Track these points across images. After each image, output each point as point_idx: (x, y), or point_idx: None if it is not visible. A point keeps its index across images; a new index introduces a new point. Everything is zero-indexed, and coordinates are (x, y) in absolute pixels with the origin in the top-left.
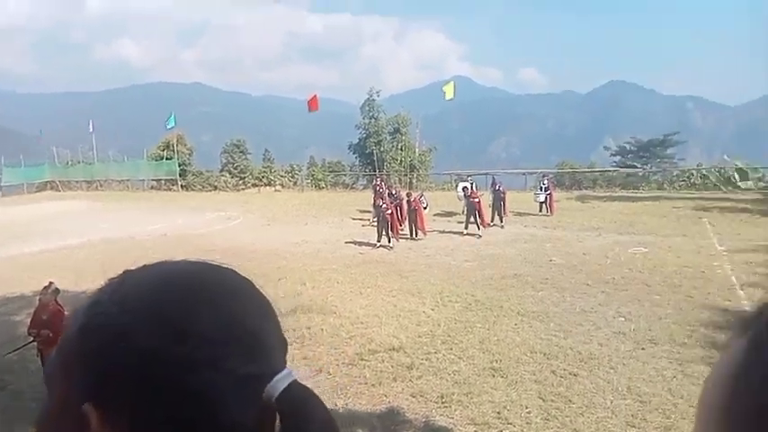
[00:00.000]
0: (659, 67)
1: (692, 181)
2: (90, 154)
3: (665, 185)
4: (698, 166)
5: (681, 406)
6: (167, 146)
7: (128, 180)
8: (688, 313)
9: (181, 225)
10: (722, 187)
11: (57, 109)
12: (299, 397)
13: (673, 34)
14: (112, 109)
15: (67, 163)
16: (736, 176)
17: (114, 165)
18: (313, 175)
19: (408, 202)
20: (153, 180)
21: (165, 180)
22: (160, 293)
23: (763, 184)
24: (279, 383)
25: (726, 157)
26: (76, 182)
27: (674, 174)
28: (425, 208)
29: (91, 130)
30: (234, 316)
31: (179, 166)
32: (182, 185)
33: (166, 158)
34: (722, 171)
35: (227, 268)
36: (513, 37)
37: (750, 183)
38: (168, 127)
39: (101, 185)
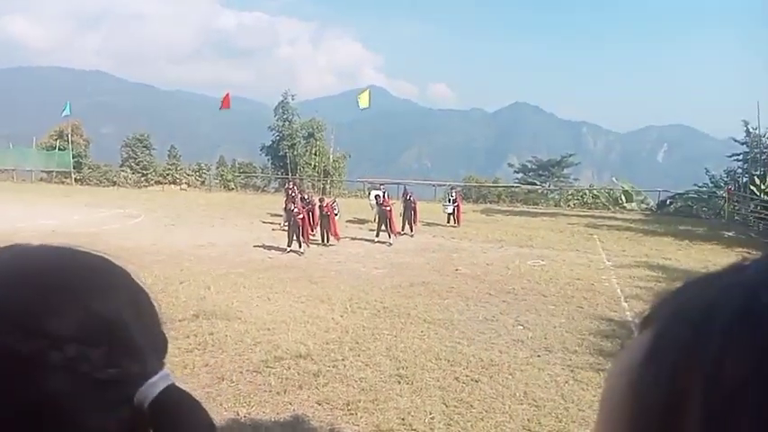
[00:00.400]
0: (558, 93)
1: (584, 200)
2: None
3: (561, 203)
4: (590, 186)
5: (572, 410)
6: (61, 135)
7: (13, 170)
8: (579, 323)
9: (74, 222)
10: (610, 207)
11: None
12: (175, 402)
13: (571, 63)
14: None
15: None
16: (623, 198)
17: None
18: (222, 176)
19: (321, 207)
20: (43, 171)
21: (57, 172)
22: (3, 282)
23: (645, 206)
24: (152, 387)
25: (614, 179)
26: None
27: (570, 192)
28: (337, 214)
29: None
30: (96, 310)
31: (74, 157)
32: (76, 179)
33: (59, 149)
34: (611, 192)
35: (96, 255)
36: (426, 53)
37: (634, 204)
38: (63, 115)
39: None
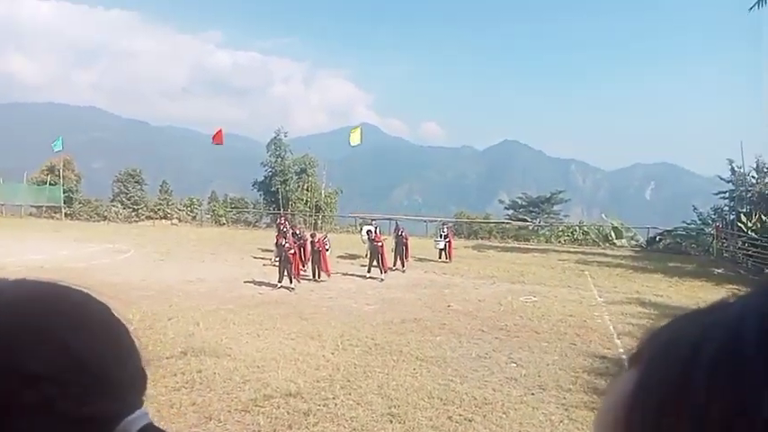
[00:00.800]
0: (547, 131)
1: (575, 236)
2: None
3: (552, 239)
4: (580, 223)
5: None
6: (52, 170)
7: (2, 204)
8: (572, 360)
9: (63, 257)
10: (600, 243)
11: None
12: None
13: (559, 102)
14: None
15: None
16: (613, 234)
17: None
18: (214, 211)
19: (312, 242)
20: (33, 206)
21: (47, 207)
22: None
23: (634, 243)
24: (129, 426)
25: (603, 216)
26: None
27: (560, 229)
28: (328, 250)
29: None
30: (72, 347)
31: (64, 192)
32: (66, 214)
33: (50, 184)
34: (600, 229)
35: (75, 290)
36: (416, 92)
37: (624, 240)
38: (55, 150)
39: None
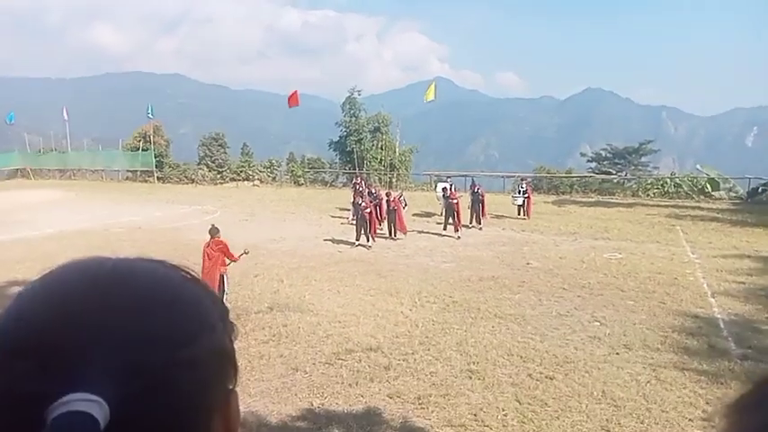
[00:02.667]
0: (635, 78)
1: (665, 189)
2: (63, 142)
3: (639, 192)
4: (671, 174)
5: (654, 411)
6: (144, 137)
7: (102, 170)
8: (661, 319)
9: (157, 218)
10: (694, 196)
11: (28, 95)
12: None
13: (648, 44)
14: (87, 97)
15: (39, 151)
16: (709, 186)
17: (88, 154)
18: (292, 171)
19: (388, 201)
20: (128, 171)
21: (141, 171)
22: None
23: (734, 195)
24: (58, 408)
25: (698, 166)
26: (48, 170)
27: (649, 181)
28: (405, 207)
29: (65, 117)
30: (42, 325)
31: (155, 157)
32: (158, 177)
33: (143, 149)
34: (695, 180)
35: (106, 259)
36: (492, 42)
37: (722, 192)
38: (149, 118)
39: (74, 175)
